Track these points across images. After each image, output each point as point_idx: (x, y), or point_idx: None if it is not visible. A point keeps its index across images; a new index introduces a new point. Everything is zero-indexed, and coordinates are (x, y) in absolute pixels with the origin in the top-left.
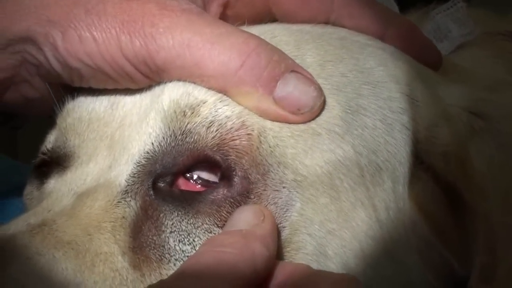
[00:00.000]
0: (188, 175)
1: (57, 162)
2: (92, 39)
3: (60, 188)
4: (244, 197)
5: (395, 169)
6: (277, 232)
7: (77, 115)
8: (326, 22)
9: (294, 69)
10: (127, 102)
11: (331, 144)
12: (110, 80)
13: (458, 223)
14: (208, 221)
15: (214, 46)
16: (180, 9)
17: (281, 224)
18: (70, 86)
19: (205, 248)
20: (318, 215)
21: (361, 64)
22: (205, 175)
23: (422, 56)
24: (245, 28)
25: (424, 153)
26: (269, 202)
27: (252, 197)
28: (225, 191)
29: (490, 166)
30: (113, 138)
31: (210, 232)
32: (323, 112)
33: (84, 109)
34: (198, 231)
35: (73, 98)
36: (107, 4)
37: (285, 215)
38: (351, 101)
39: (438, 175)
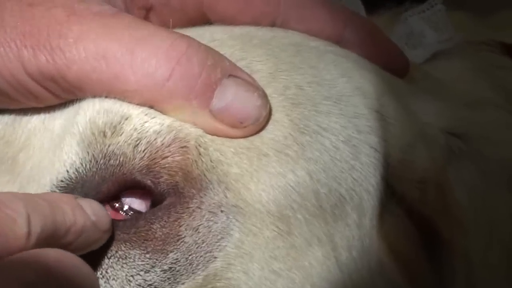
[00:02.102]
0: (117, 204)
1: None
2: None
3: None
4: (169, 211)
5: (361, 200)
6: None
7: None
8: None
9: (233, 73)
10: (32, 120)
11: (281, 168)
12: (11, 101)
13: (433, 265)
14: (124, 247)
15: (135, 54)
16: (91, 13)
17: (212, 254)
18: None
19: None
20: (261, 250)
21: (320, 75)
22: (136, 204)
23: (386, 62)
24: (176, 30)
25: (397, 180)
26: (202, 224)
27: (181, 211)
28: (149, 212)
29: (472, 197)
30: (15, 162)
31: (125, 258)
32: (272, 130)
33: None
34: (111, 260)
35: None
36: (5, 13)
37: (218, 243)
38: (308, 119)
39: (412, 207)
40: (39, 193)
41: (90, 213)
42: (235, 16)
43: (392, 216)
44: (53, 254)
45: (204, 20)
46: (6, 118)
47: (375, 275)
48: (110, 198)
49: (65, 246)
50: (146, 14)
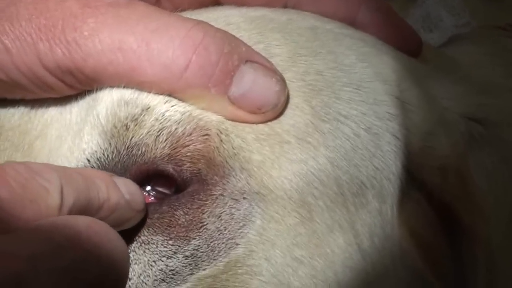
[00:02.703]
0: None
1: None
2: (3, 49)
3: None
4: (193, 198)
5: (382, 187)
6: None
7: None
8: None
9: (250, 58)
10: (49, 110)
11: (302, 155)
12: (28, 92)
13: (454, 252)
14: (147, 232)
15: (151, 45)
16: (104, 4)
17: (234, 241)
18: None
19: None
20: (283, 237)
21: (339, 61)
22: (162, 190)
23: (400, 43)
24: (189, 14)
25: (417, 167)
26: (224, 211)
27: (204, 198)
28: (171, 198)
29: (493, 183)
30: (31, 148)
31: (148, 244)
32: (292, 116)
33: None
34: (133, 245)
35: None
36: (19, 6)
37: (240, 230)
38: (328, 107)
39: (432, 194)
40: (73, 167)
41: (124, 191)
42: None
43: (413, 203)
44: (84, 220)
45: (215, 1)
46: (22, 108)
47: (396, 262)
48: None
49: None
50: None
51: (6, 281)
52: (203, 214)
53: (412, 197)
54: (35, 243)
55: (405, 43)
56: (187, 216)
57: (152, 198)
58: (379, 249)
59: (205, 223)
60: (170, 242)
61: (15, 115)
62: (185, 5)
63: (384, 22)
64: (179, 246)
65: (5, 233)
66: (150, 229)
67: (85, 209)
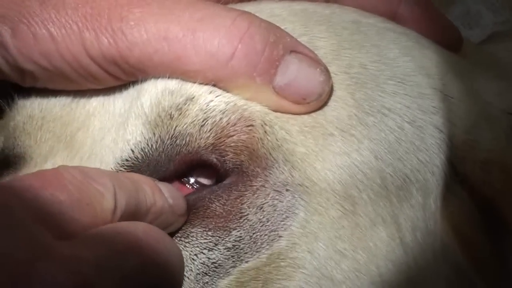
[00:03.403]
0: (184, 179)
1: (6, 164)
2: (49, 37)
3: None
4: (229, 189)
5: (426, 181)
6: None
7: (27, 113)
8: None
9: (295, 48)
10: (91, 101)
11: (346, 147)
12: (71, 82)
13: (497, 248)
14: (185, 225)
15: (196, 34)
16: None
17: (277, 233)
18: None
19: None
20: (326, 230)
21: (383, 54)
22: (204, 180)
23: (440, 38)
24: (233, 7)
25: (460, 161)
26: (267, 202)
27: (243, 189)
28: (214, 188)
29: None
30: (74, 139)
31: (187, 237)
32: (335, 108)
33: (37, 107)
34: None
35: (23, 94)
36: None
37: (283, 222)
38: (372, 100)
39: (475, 188)
40: (121, 173)
41: (167, 196)
42: None
43: (456, 198)
44: (142, 226)
45: None
46: (64, 99)
47: (438, 257)
48: (177, 176)
49: None
50: None
51: (77, 285)
52: (242, 204)
53: (455, 191)
54: (100, 249)
55: (445, 37)
56: (225, 207)
57: (190, 188)
58: (421, 243)
59: (245, 214)
60: (210, 233)
61: (57, 106)
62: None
63: (425, 16)
64: (219, 237)
65: (65, 235)
66: (187, 222)
67: (135, 212)
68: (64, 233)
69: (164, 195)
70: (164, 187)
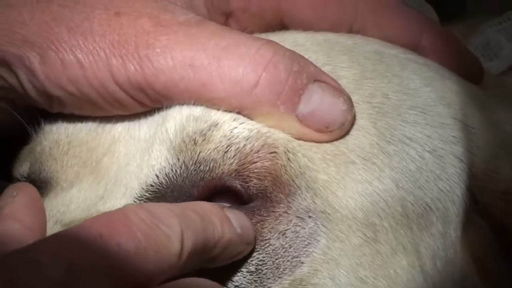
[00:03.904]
0: None
1: None
2: (77, 63)
3: None
4: (253, 212)
5: (447, 210)
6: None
7: (54, 138)
8: (348, 33)
9: (318, 78)
10: (116, 126)
11: (367, 175)
12: (97, 108)
13: None
14: None
15: (222, 62)
16: (176, 22)
17: (299, 259)
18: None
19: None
20: (347, 257)
21: (405, 84)
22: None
23: (462, 69)
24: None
25: (480, 191)
26: (289, 229)
27: (266, 214)
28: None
29: None
30: (99, 165)
31: None
32: (357, 137)
33: (63, 132)
34: None
35: (49, 120)
36: (93, 22)
37: (305, 249)
38: (394, 129)
39: (495, 218)
40: (190, 203)
41: (236, 225)
42: (313, 21)
43: (476, 227)
44: (207, 285)
45: (281, 26)
46: (90, 124)
47: (458, 286)
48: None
49: (211, 260)
50: (226, 19)
51: None
52: (263, 228)
53: (474, 220)
54: None
55: (466, 69)
56: None
57: None
58: (441, 272)
59: (266, 238)
60: None
61: (83, 131)
62: (253, 28)
63: (446, 48)
64: (241, 259)
65: (131, 286)
66: None
67: (201, 250)
68: (128, 284)
69: (233, 225)
70: (233, 215)
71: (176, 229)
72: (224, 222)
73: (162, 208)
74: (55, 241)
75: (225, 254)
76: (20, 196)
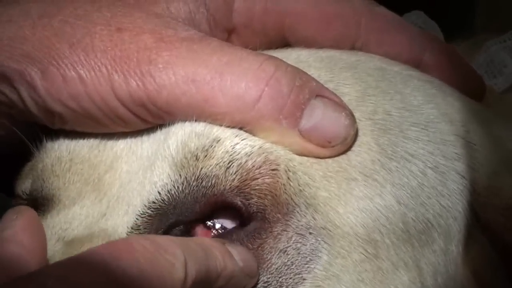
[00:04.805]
0: (209, 223)
1: (34, 206)
2: (78, 79)
3: None
4: (253, 237)
5: (448, 226)
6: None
7: (56, 155)
8: (351, 49)
9: (320, 93)
10: (118, 143)
11: (368, 192)
12: (99, 125)
13: None
14: None
15: (224, 77)
16: (178, 38)
17: (301, 276)
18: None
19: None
20: (349, 273)
21: (407, 101)
22: (227, 223)
23: (464, 86)
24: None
25: (482, 207)
26: (290, 246)
27: (264, 236)
28: (233, 234)
29: None
30: (101, 182)
31: None
32: (359, 153)
33: (65, 149)
34: None
35: (51, 136)
36: (94, 37)
37: (307, 265)
38: (395, 145)
39: (496, 235)
40: (191, 238)
41: (238, 259)
42: (316, 38)
43: (477, 243)
44: None
45: (284, 42)
46: (92, 141)
47: None
48: (202, 218)
49: None
50: (228, 36)
51: None
52: (263, 250)
53: (476, 237)
54: None
55: (468, 86)
56: None
57: (214, 232)
58: None
59: (267, 258)
60: None
61: (85, 148)
62: (255, 45)
63: (449, 65)
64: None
65: None
66: None
67: (205, 280)
68: None
69: (235, 259)
70: (234, 249)
71: (180, 257)
72: (225, 255)
73: (165, 239)
74: (61, 266)
75: (229, 286)
76: (19, 219)
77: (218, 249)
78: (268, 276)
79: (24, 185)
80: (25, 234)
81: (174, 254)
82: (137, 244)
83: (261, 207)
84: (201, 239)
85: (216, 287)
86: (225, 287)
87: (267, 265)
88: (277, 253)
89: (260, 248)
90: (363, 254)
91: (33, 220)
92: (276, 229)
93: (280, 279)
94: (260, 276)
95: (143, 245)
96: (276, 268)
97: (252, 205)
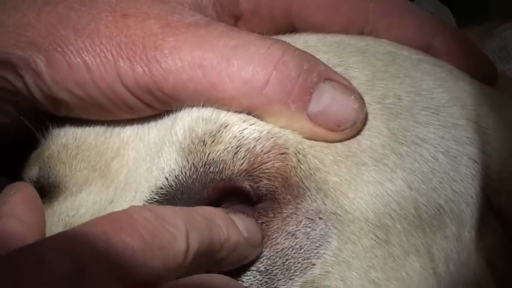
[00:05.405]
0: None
1: (41, 194)
2: (83, 66)
3: (48, 219)
4: (259, 214)
5: (460, 212)
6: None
7: (62, 142)
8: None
9: (328, 76)
10: (125, 130)
11: (379, 176)
12: (105, 112)
13: None
14: None
15: (231, 62)
16: (184, 23)
17: (310, 261)
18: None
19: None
20: (359, 259)
21: (417, 85)
22: (239, 207)
23: (475, 71)
24: None
25: (494, 192)
26: (299, 230)
27: (272, 216)
28: (246, 210)
29: None
30: (108, 169)
31: None
32: (369, 137)
33: (71, 136)
34: None
35: (57, 123)
36: (99, 23)
37: (316, 251)
38: (406, 130)
39: (508, 220)
40: (195, 207)
41: (242, 228)
42: (324, 24)
43: (490, 229)
44: (220, 280)
45: (291, 28)
46: (98, 128)
47: None
48: (211, 203)
49: (218, 262)
50: (235, 22)
51: None
52: (268, 228)
53: (489, 223)
54: None
55: (480, 70)
56: None
57: None
58: (454, 275)
59: (273, 237)
60: None
61: (91, 135)
62: (262, 31)
63: (460, 49)
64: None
65: (138, 283)
66: None
67: (208, 251)
68: (136, 281)
69: (239, 229)
70: (239, 219)
71: (181, 228)
72: (229, 225)
73: (167, 209)
74: (59, 238)
75: (232, 257)
76: (17, 194)
77: (222, 219)
78: (272, 253)
79: (31, 173)
80: (23, 208)
81: (175, 225)
82: (138, 215)
83: (271, 188)
84: (204, 208)
85: (218, 257)
86: (228, 257)
87: (271, 243)
88: (284, 235)
89: (265, 225)
90: (374, 240)
91: (31, 195)
92: (285, 211)
93: (287, 262)
94: (264, 251)
95: (144, 216)
96: (282, 249)
97: (261, 188)
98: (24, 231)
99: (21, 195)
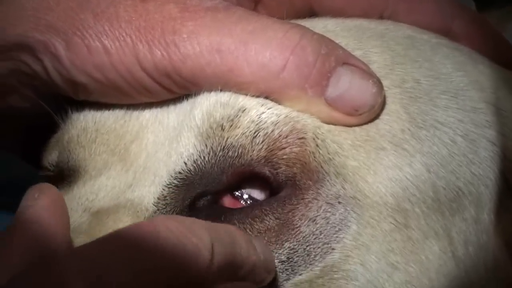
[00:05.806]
0: (237, 193)
1: (61, 178)
2: (103, 50)
3: (68, 203)
4: (284, 203)
5: (479, 194)
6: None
7: (81, 126)
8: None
9: (347, 61)
10: (144, 113)
11: (398, 161)
12: (124, 95)
13: None
14: None
15: (248, 46)
16: (203, 8)
17: (330, 245)
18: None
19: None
20: (378, 243)
21: (436, 69)
22: (256, 193)
23: (494, 55)
24: None
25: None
26: (319, 215)
27: (296, 202)
28: (264, 203)
29: None
30: (127, 152)
31: None
32: (388, 121)
33: (90, 119)
34: None
35: (76, 107)
36: (119, 7)
37: (336, 235)
38: (425, 114)
39: None
40: (217, 224)
41: (259, 251)
42: (343, 8)
43: (509, 212)
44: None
45: (311, 13)
46: (117, 112)
47: (489, 273)
48: (230, 188)
49: (240, 279)
50: (255, 6)
51: None
52: (294, 216)
53: (508, 206)
54: None
55: (499, 54)
56: (278, 221)
57: (242, 202)
58: (473, 257)
59: (297, 225)
60: None
61: (110, 118)
62: (282, 15)
63: (479, 33)
64: (272, 251)
65: None
66: None
67: (231, 266)
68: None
69: (257, 250)
70: (257, 241)
71: (205, 240)
72: (249, 244)
73: (193, 222)
74: (83, 252)
75: (251, 277)
76: (41, 198)
77: (243, 238)
78: (295, 244)
79: (51, 157)
80: (48, 213)
81: (200, 237)
82: (162, 226)
83: (290, 175)
84: (226, 226)
85: (240, 275)
86: (248, 277)
87: (296, 232)
88: (306, 221)
89: (291, 213)
90: (393, 224)
91: (56, 199)
92: (307, 197)
93: (308, 248)
94: (286, 243)
95: (168, 227)
96: (304, 237)
97: (281, 174)
98: (49, 238)
99: (45, 199)
